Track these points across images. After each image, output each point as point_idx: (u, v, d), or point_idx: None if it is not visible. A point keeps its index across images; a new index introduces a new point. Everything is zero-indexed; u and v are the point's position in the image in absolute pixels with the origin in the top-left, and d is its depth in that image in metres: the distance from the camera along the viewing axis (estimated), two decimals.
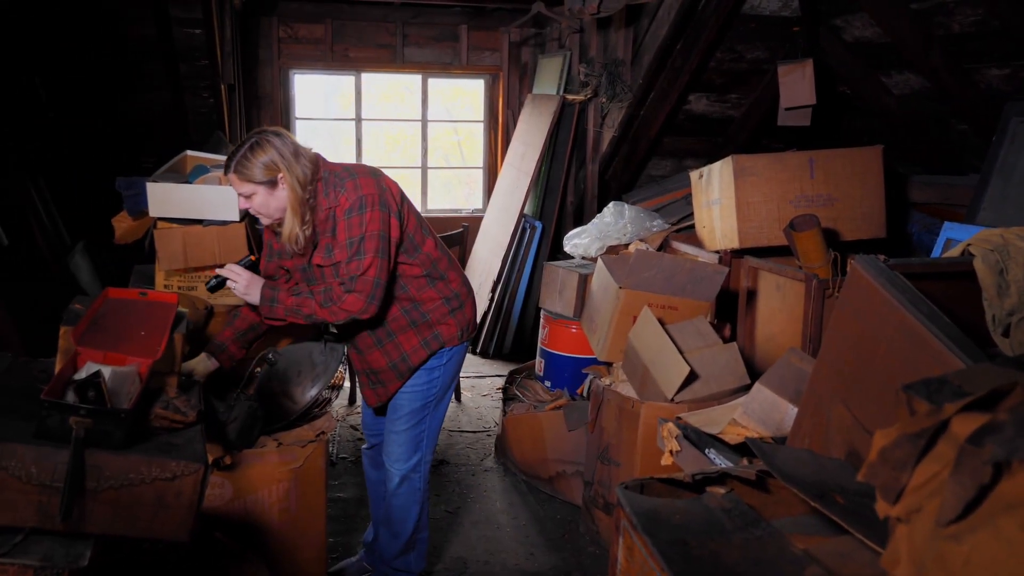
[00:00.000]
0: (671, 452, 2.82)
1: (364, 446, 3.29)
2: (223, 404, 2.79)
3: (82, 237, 4.88)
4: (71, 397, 1.95)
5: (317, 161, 2.68)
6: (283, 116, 7.05)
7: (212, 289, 2.76)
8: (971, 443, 0.92)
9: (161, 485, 1.89)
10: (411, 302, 2.82)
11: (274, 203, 2.63)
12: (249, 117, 6.82)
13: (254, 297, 2.68)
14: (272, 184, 2.59)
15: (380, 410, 3.08)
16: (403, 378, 2.89)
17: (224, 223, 3.28)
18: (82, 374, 2.04)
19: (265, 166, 2.57)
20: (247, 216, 3.36)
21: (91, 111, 5.41)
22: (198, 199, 3.25)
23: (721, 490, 1.91)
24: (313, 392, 2.99)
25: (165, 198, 3.24)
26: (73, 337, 2.15)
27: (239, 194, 2.65)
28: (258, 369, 3.15)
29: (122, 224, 3.51)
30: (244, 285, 2.67)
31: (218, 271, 2.72)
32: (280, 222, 2.68)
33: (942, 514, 0.93)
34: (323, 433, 2.98)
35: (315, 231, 2.69)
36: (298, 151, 2.63)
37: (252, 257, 2.79)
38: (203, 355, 2.83)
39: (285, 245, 2.72)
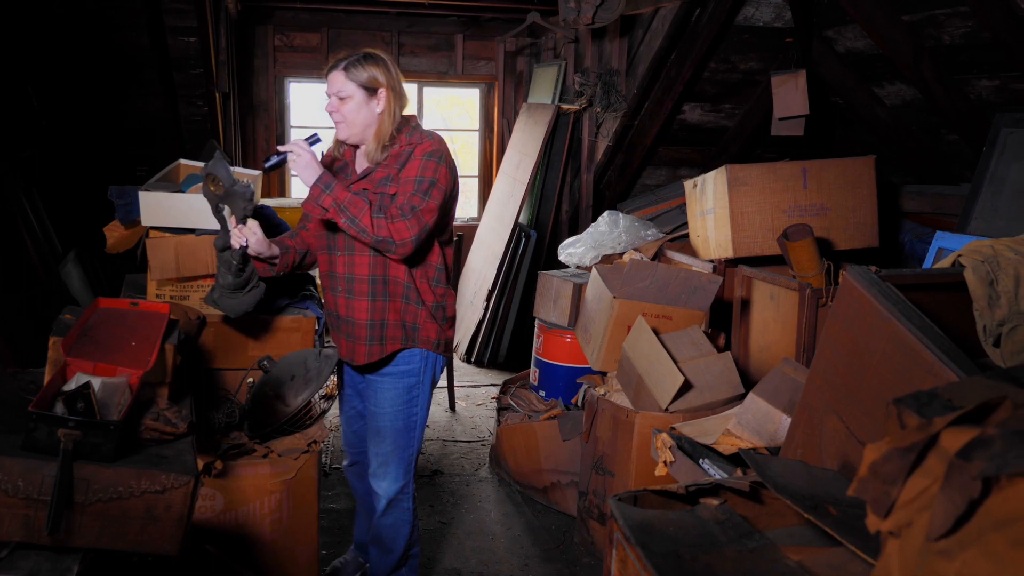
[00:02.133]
0: (665, 462, 2.81)
1: (345, 463, 3.22)
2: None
3: (74, 246, 4.86)
4: (60, 409, 1.94)
5: (411, 116, 2.78)
6: (279, 124, 7.06)
7: (268, 169, 2.71)
8: (960, 458, 0.92)
9: (150, 498, 1.88)
10: (413, 281, 2.78)
11: (363, 115, 2.65)
12: (244, 126, 6.82)
13: (311, 175, 2.58)
14: (371, 93, 2.64)
15: (359, 422, 3.05)
16: (372, 344, 2.77)
17: (217, 232, 3.26)
18: (71, 385, 2.03)
19: (372, 76, 2.62)
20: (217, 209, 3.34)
21: (84, 119, 5.40)
22: (191, 208, 3.24)
23: (715, 501, 1.91)
24: (305, 395, 2.98)
25: (158, 207, 3.23)
26: (63, 348, 2.14)
27: (333, 95, 2.64)
28: (250, 380, 3.15)
29: (114, 233, 3.50)
30: (305, 161, 2.58)
31: (279, 148, 2.65)
32: (351, 139, 2.71)
33: (932, 529, 0.92)
34: (315, 443, 2.97)
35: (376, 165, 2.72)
36: (402, 90, 2.72)
37: (319, 137, 2.71)
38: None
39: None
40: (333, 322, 2.90)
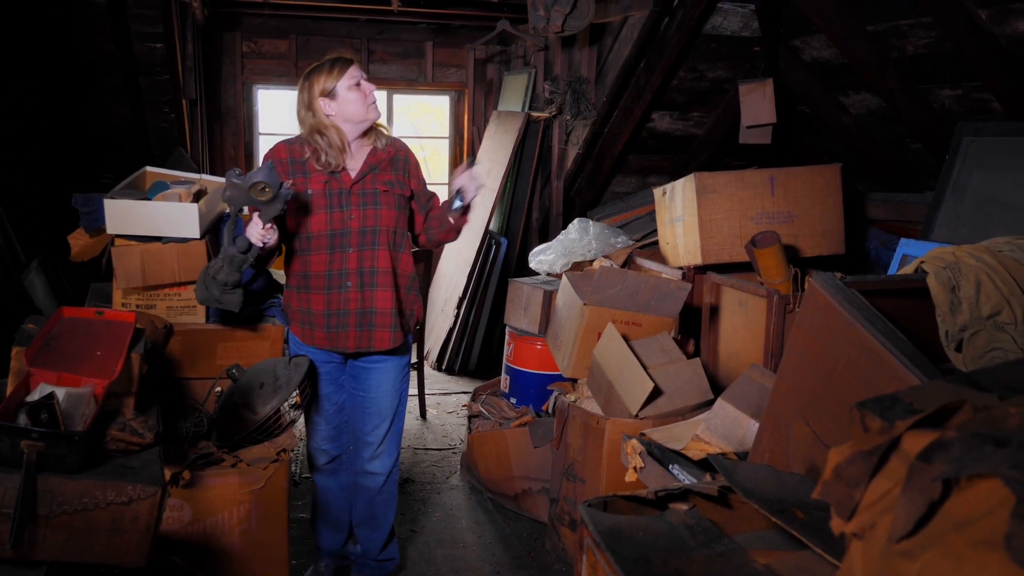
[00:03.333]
0: (635, 468, 2.82)
1: (323, 461, 3.23)
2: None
3: (37, 254, 4.79)
4: (23, 420, 1.91)
5: None
6: (247, 131, 7.01)
7: (240, 250, 2.74)
8: (921, 460, 0.94)
9: (116, 509, 1.86)
10: (415, 271, 3.09)
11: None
12: (212, 132, 6.76)
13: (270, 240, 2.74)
14: None
15: (339, 416, 3.18)
16: (396, 331, 2.98)
17: (184, 240, 3.24)
18: (35, 396, 2.01)
19: None
20: (207, 233, 3.33)
21: (48, 126, 5.33)
22: (157, 216, 3.21)
23: (684, 506, 1.92)
24: (274, 403, 2.96)
25: (123, 215, 3.19)
26: (26, 358, 2.11)
27: (366, 80, 2.89)
28: (218, 389, 3.12)
29: (79, 241, 3.45)
30: (263, 237, 2.71)
31: (258, 224, 2.69)
32: (362, 126, 2.90)
33: (894, 530, 0.93)
34: (285, 451, 2.95)
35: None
36: None
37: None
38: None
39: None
40: (325, 320, 2.94)
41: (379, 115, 2.93)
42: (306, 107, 2.86)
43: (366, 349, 2.97)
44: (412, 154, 3.03)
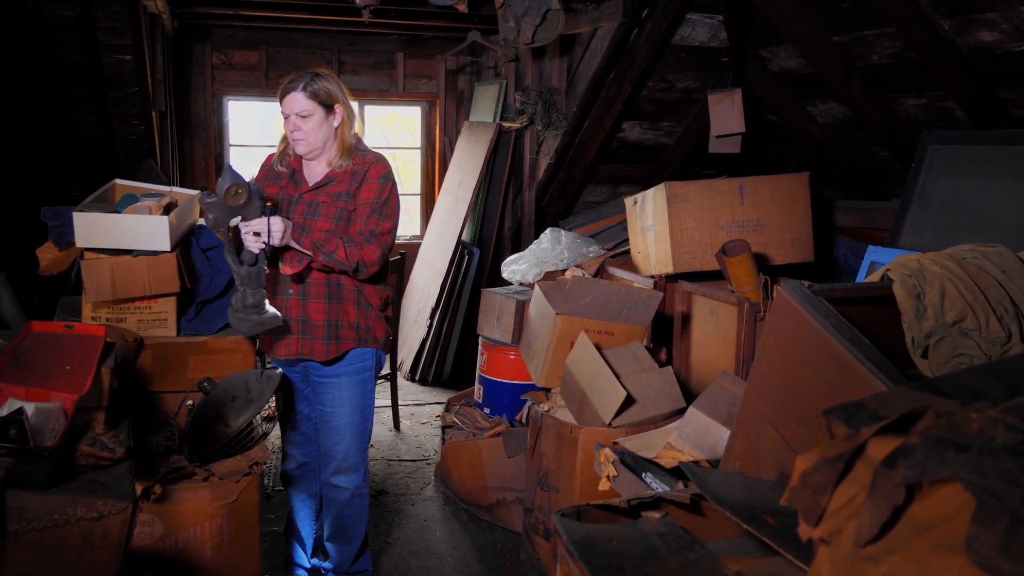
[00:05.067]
0: (608, 477, 2.84)
1: (291, 466, 3.25)
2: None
3: (4, 268, 4.74)
4: None
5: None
6: (217, 142, 6.98)
7: (249, 264, 2.69)
8: (885, 466, 0.95)
9: (87, 525, 1.84)
10: (362, 284, 2.98)
11: (324, 131, 2.85)
12: (182, 144, 6.72)
13: (287, 235, 2.70)
14: (329, 111, 2.84)
15: (307, 424, 3.19)
16: (329, 343, 2.93)
17: (155, 253, 3.21)
18: (3, 411, 1.98)
19: (329, 92, 2.83)
20: (178, 246, 3.31)
21: (12, 138, 5.27)
22: (128, 229, 3.19)
23: (656, 515, 1.93)
24: (246, 415, 2.95)
25: (93, 228, 3.17)
26: None
27: (294, 114, 2.81)
28: (190, 402, 3.10)
29: (47, 255, 3.42)
30: (279, 231, 2.68)
31: (246, 228, 2.65)
32: (311, 154, 2.89)
33: (859, 536, 0.95)
34: (257, 464, 2.93)
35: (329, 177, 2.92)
36: (351, 105, 2.95)
37: (269, 203, 2.73)
38: None
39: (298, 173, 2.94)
40: (287, 315, 2.95)
41: (308, 150, 2.87)
42: None
43: (306, 357, 2.96)
44: (377, 167, 2.92)
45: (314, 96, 2.80)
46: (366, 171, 2.91)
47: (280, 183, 2.98)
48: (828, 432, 1.08)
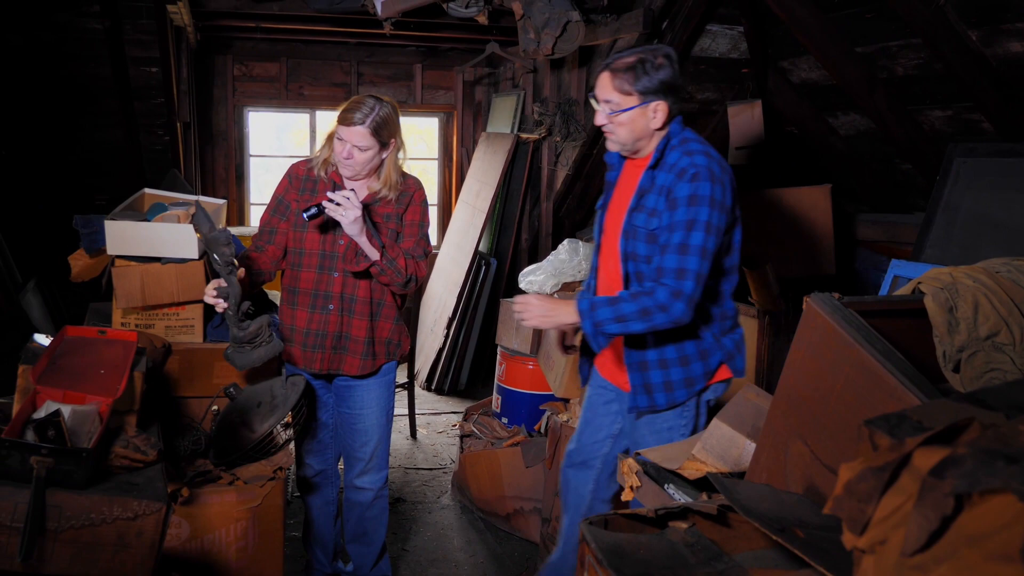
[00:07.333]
0: (631, 488, 2.84)
1: (309, 473, 3.30)
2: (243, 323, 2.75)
3: (33, 275, 4.79)
4: (30, 436, 1.92)
5: None
6: (237, 153, 7.03)
7: (310, 217, 2.76)
8: (933, 476, 0.97)
9: (122, 524, 1.87)
10: (397, 302, 3.10)
11: (374, 162, 2.89)
12: (204, 154, 6.78)
13: (358, 228, 2.76)
14: (385, 147, 2.89)
15: (325, 431, 3.24)
16: (366, 359, 3.03)
17: (183, 261, 3.26)
18: (41, 413, 2.01)
19: (389, 129, 2.87)
20: (205, 255, 3.35)
21: (43, 149, 5.34)
22: (157, 237, 3.24)
23: (683, 525, 1.94)
24: (271, 421, 2.97)
25: (123, 236, 3.22)
26: (32, 376, 2.12)
27: (353, 145, 2.81)
28: (215, 407, 3.13)
29: (79, 262, 3.48)
30: (355, 214, 2.73)
31: (330, 195, 2.74)
32: (356, 179, 2.95)
33: (907, 545, 0.96)
34: (281, 469, 2.95)
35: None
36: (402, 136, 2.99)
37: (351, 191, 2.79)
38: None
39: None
40: (303, 338, 3.03)
41: (352, 174, 2.92)
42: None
43: (336, 371, 3.06)
44: (420, 191, 3.04)
45: (376, 133, 2.82)
46: (411, 195, 3.00)
47: (320, 188, 2.99)
48: (871, 442, 1.09)
